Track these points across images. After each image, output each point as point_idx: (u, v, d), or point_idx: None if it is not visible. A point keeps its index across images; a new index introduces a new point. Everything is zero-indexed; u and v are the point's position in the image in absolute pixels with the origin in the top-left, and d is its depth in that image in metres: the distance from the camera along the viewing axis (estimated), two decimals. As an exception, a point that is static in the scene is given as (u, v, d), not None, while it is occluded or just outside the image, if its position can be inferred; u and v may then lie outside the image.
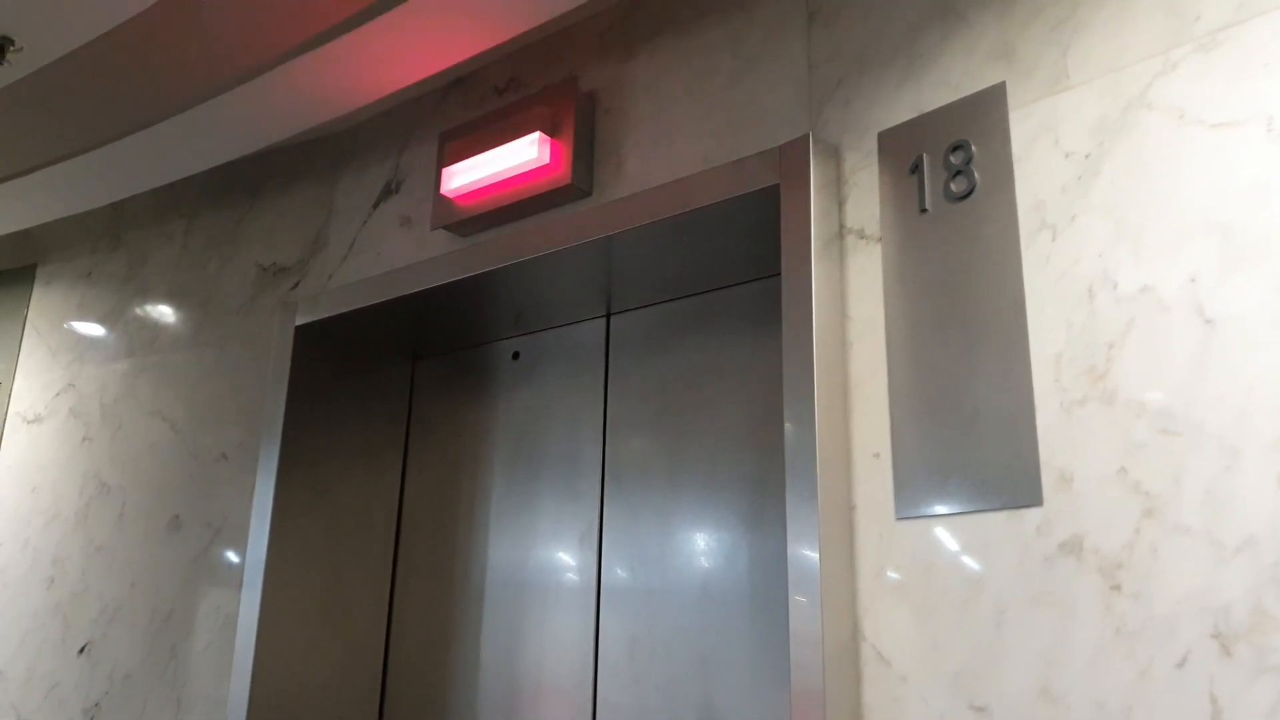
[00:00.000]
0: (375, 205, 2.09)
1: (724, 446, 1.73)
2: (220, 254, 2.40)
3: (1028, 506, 1.13)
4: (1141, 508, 1.05)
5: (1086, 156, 1.19)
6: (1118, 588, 1.05)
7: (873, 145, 1.41)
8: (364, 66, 1.81)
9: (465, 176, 1.82)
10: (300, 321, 2.06)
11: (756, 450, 1.68)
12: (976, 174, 1.28)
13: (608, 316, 1.98)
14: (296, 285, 2.18)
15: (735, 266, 1.73)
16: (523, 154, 1.74)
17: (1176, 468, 1.04)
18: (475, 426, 2.12)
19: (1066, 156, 1.21)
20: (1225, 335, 1.04)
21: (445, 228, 1.88)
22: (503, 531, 2.02)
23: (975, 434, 1.20)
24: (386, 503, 2.17)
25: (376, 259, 2.03)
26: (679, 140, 1.64)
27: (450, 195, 1.85)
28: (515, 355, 2.10)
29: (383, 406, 2.20)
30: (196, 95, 1.91)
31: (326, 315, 2.03)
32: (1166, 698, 1.00)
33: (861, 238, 1.39)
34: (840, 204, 1.43)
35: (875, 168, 1.39)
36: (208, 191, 2.50)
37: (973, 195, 1.28)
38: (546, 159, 1.72)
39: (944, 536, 1.20)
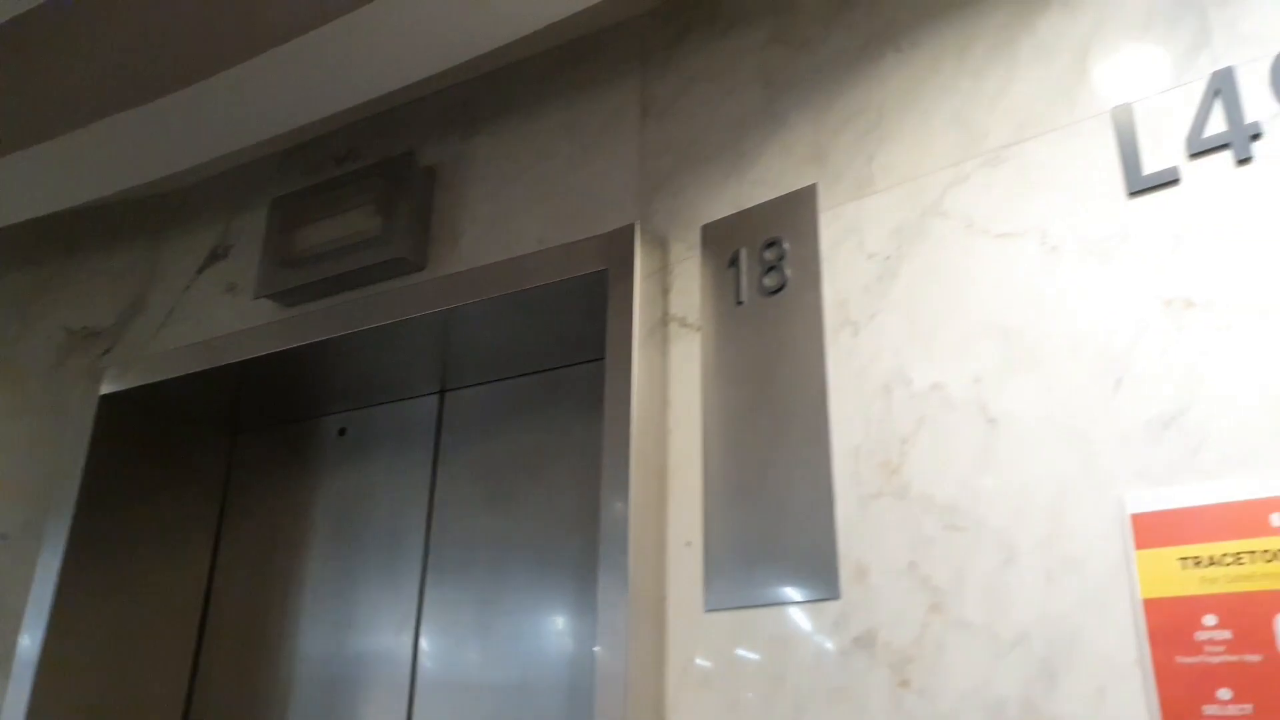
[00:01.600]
0: (200, 270, 1.98)
1: (552, 531, 1.69)
2: (24, 314, 2.22)
3: (826, 600, 1.14)
4: (928, 602, 1.07)
5: (887, 258, 1.25)
6: (906, 683, 1.05)
7: (697, 237, 1.43)
8: (194, 126, 1.73)
9: (295, 245, 1.76)
10: (106, 390, 1.91)
11: (583, 536, 1.64)
12: (788, 270, 1.32)
13: (441, 393, 1.92)
14: (108, 351, 2.03)
15: (568, 348, 1.72)
16: (354, 225, 1.70)
17: (960, 562, 1.06)
18: (295, 506, 2.00)
19: (869, 257, 1.26)
20: (1005, 434, 1.09)
21: (270, 296, 1.79)
22: (316, 621, 1.89)
23: (780, 525, 1.20)
24: (192, 589, 2.00)
25: (196, 327, 1.91)
26: (515, 220, 1.63)
27: (278, 263, 1.78)
28: (342, 431, 2.01)
29: (195, 483, 2.05)
30: (10, 144, 1.79)
31: (137, 384, 1.89)
32: (951, 795, 1.00)
33: (684, 326, 1.41)
34: (665, 292, 1.45)
35: (698, 259, 1.42)
36: (13, 246, 2.31)
37: (784, 290, 1.31)
38: (378, 231, 1.68)
39: (749, 630, 1.19)
